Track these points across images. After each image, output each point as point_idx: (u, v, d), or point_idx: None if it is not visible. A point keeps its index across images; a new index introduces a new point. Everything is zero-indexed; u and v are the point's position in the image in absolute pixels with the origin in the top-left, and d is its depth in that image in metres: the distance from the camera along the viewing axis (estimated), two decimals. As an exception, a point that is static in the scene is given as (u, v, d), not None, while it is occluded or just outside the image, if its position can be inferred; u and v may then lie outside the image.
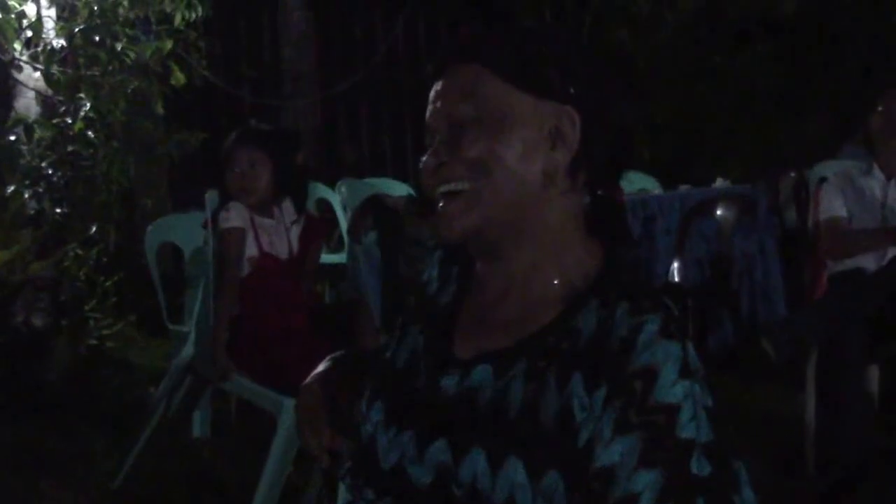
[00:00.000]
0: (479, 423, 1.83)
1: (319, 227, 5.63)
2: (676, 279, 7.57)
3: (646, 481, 1.69)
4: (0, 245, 6.16)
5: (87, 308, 7.06)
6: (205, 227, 5.17)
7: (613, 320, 1.78)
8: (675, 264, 7.58)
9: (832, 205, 5.67)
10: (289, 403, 4.69)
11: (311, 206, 6.99)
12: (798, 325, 5.41)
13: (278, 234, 5.22)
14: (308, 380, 2.26)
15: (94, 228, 6.68)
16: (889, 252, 5.50)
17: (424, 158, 1.93)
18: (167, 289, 5.67)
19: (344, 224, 7.45)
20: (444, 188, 1.90)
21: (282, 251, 5.20)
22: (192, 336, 5.32)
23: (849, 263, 5.56)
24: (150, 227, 5.77)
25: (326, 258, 7.33)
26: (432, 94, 1.94)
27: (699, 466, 1.70)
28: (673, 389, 1.72)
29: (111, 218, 6.81)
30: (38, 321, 6.94)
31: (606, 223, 1.95)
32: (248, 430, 5.51)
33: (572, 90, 1.88)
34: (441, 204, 1.91)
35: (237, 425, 5.93)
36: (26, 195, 6.45)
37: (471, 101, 1.87)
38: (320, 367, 2.27)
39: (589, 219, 1.94)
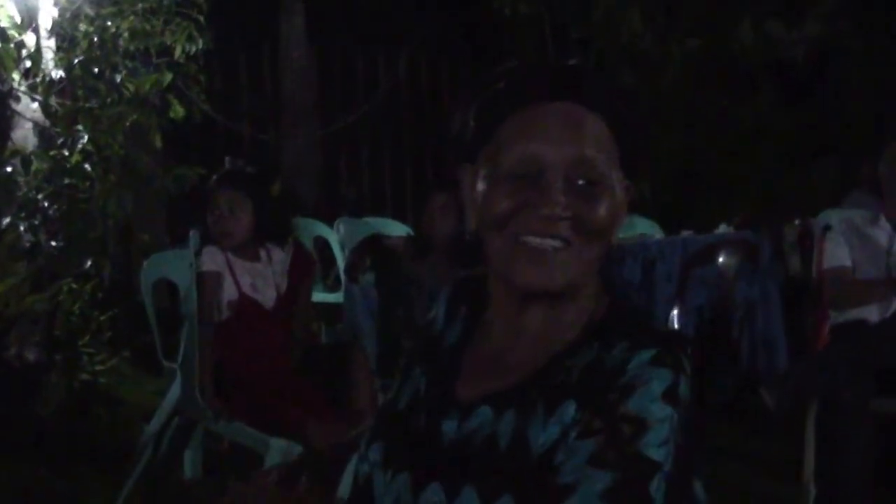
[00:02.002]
0: (472, 463, 1.84)
1: (308, 261, 5.66)
2: (676, 326, 7.59)
3: (590, 477, 1.72)
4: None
5: (80, 343, 7.06)
6: (191, 266, 5.22)
7: (610, 356, 1.81)
8: (675, 311, 7.60)
9: (836, 254, 5.64)
10: (275, 443, 4.77)
11: (308, 243, 7.06)
12: (799, 377, 5.43)
13: (263, 278, 5.26)
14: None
15: (89, 262, 6.68)
16: (894, 303, 5.49)
17: (548, 201, 1.85)
18: (162, 325, 5.68)
19: (341, 263, 7.47)
20: (555, 242, 1.86)
21: (267, 295, 5.24)
22: (178, 378, 5.35)
23: (852, 314, 5.54)
24: (145, 263, 5.80)
25: (323, 297, 7.35)
26: (545, 124, 1.88)
27: (657, 491, 1.73)
28: (650, 406, 1.74)
29: (107, 252, 6.82)
30: (31, 355, 6.97)
31: (608, 270, 1.97)
32: (240, 470, 5.54)
33: (639, 169, 1.95)
34: (548, 249, 1.86)
35: (229, 465, 5.94)
36: (21, 228, 6.46)
37: (603, 153, 1.87)
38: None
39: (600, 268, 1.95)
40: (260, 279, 5.25)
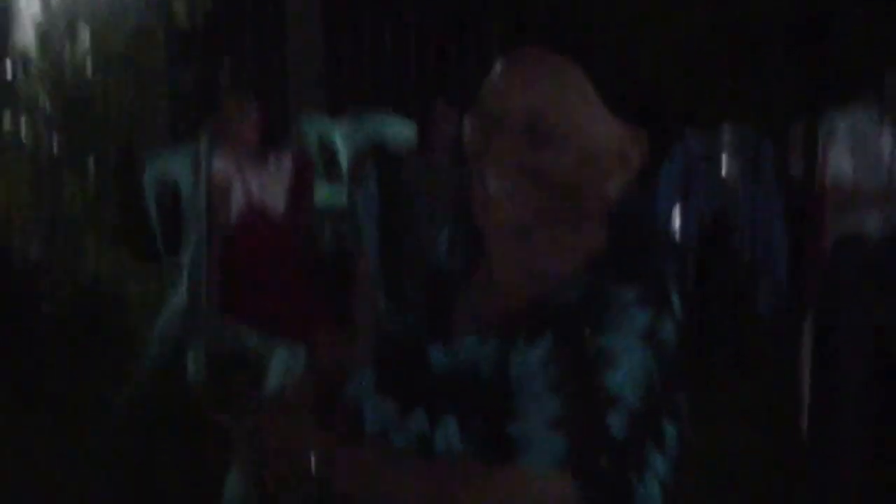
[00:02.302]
0: (456, 392, 1.83)
1: (308, 165, 5.68)
2: (677, 226, 7.63)
3: (544, 402, 1.71)
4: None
5: (83, 239, 7.14)
6: (195, 172, 5.23)
7: (596, 292, 1.78)
8: (677, 211, 7.63)
9: (839, 165, 5.57)
10: (279, 351, 4.80)
11: (312, 140, 7.06)
12: (798, 289, 5.45)
13: (272, 184, 5.28)
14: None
15: (91, 160, 6.71)
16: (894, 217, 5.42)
17: (496, 148, 1.82)
18: (164, 222, 5.73)
19: (345, 161, 7.47)
20: (501, 188, 1.82)
21: (276, 201, 5.27)
22: (185, 281, 5.38)
23: (852, 228, 5.49)
24: (147, 162, 5.82)
25: (327, 197, 7.34)
26: (510, 75, 1.84)
27: (617, 425, 1.71)
28: (619, 341, 1.72)
29: (108, 150, 6.85)
30: (35, 254, 7.05)
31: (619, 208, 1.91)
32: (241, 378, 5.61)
33: (646, 115, 1.88)
34: (493, 194, 1.83)
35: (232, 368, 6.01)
36: (23, 129, 6.48)
37: (556, 102, 1.80)
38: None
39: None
40: (269, 185, 5.27)
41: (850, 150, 5.57)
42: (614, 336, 1.71)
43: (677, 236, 7.80)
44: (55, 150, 6.70)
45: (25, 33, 6.73)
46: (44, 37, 6.67)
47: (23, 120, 6.50)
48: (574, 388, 1.70)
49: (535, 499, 1.72)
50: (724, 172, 7.45)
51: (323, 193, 6.80)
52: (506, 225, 1.85)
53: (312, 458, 1.88)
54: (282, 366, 4.85)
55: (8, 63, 6.65)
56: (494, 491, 1.73)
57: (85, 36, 6.57)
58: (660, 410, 1.78)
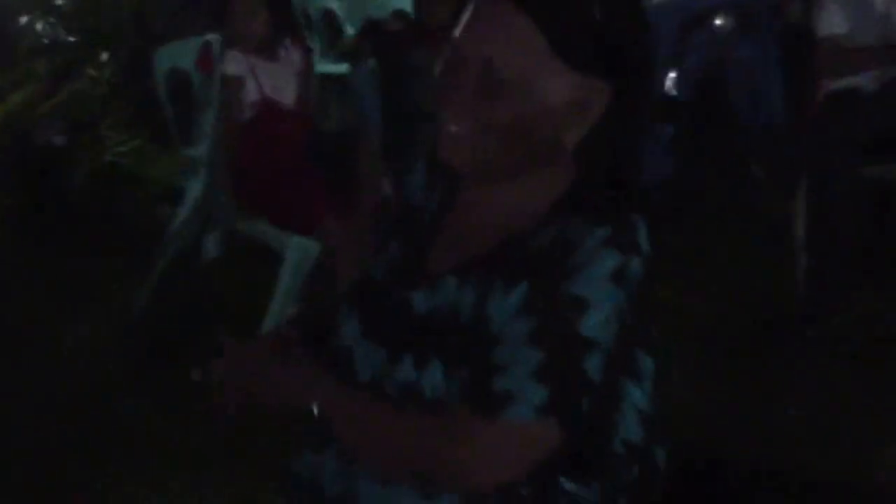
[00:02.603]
0: (438, 336, 1.90)
1: (304, 52, 5.76)
2: (674, 92, 7.61)
3: (524, 356, 1.78)
4: (15, 84, 6.33)
5: (102, 126, 7.27)
6: (203, 68, 5.34)
7: (568, 232, 1.84)
8: (672, 76, 7.62)
9: (832, 20, 5.54)
10: (294, 241, 4.98)
11: (316, 14, 7.11)
12: (789, 146, 5.43)
13: (285, 78, 5.39)
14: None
15: (105, 54, 6.78)
16: (888, 71, 5.41)
17: (449, 88, 1.88)
18: (176, 112, 5.82)
19: (349, 35, 7.51)
20: (455, 130, 1.88)
21: (288, 95, 5.39)
22: (202, 176, 5.53)
23: (845, 83, 5.49)
24: (158, 52, 5.89)
25: (331, 68, 7.37)
26: (468, 25, 1.88)
27: (594, 368, 1.79)
28: (592, 288, 1.78)
29: (122, 42, 6.92)
30: (57, 141, 7.17)
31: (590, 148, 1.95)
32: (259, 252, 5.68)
33: (605, 66, 1.87)
34: (448, 135, 1.89)
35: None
36: (39, 26, 6.54)
37: (510, 54, 1.82)
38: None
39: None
40: (281, 79, 5.38)
41: (842, 5, 5.53)
42: (585, 281, 1.78)
43: (673, 92, 7.80)
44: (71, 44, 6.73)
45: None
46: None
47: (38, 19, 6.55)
48: (552, 340, 1.78)
49: (523, 447, 1.83)
50: (718, 24, 7.39)
51: (327, 69, 6.88)
52: (469, 168, 1.92)
53: (313, 403, 2.00)
54: (297, 256, 4.98)
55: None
56: (483, 443, 1.83)
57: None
58: (634, 345, 1.91)
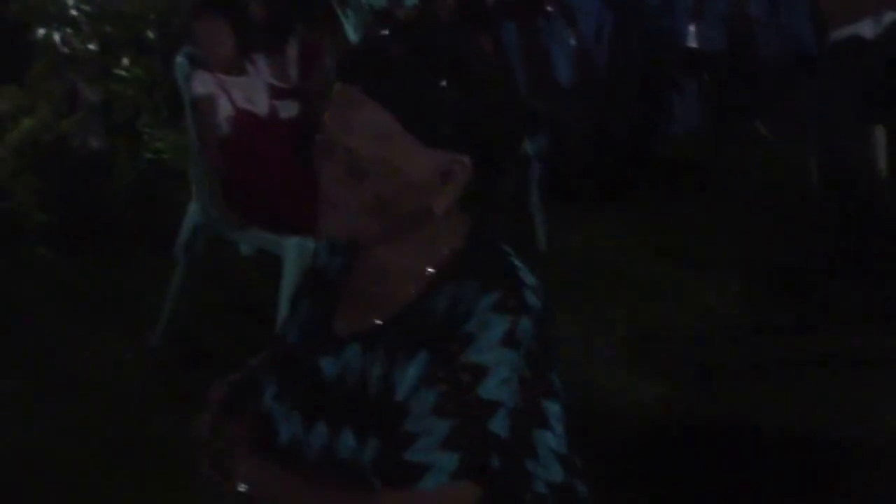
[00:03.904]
0: (348, 404, 1.97)
1: (317, 48, 5.78)
2: (695, 44, 7.57)
3: (431, 425, 1.86)
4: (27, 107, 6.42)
5: (138, 124, 7.36)
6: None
7: (461, 299, 1.92)
8: (692, 28, 7.58)
9: None
10: (289, 243, 5.02)
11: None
12: (792, 103, 5.43)
13: (254, 89, 5.44)
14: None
15: (126, 61, 6.84)
16: (885, 17, 5.38)
17: (322, 168, 1.97)
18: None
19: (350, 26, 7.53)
20: (329, 209, 1.99)
21: (260, 104, 5.42)
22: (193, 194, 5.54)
23: (846, 31, 5.45)
24: (178, 56, 5.93)
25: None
26: (331, 105, 1.96)
27: (500, 427, 1.87)
28: (487, 354, 1.86)
29: (147, 47, 6.98)
30: (94, 143, 7.24)
31: (477, 202, 2.03)
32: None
33: (464, 140, 1.93)
34: (326, 212, 2.00)
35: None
36: (57, 38, 6.62)
37: (373, 140, 1.90)
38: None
39: (462, 198, 2.00)
40: (252, 90, 5.42)
41: None
42: (480, 348, 1.87)
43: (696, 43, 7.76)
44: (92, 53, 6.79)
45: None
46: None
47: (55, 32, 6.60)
48: (456, 408, 1.86)
49: None
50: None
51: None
52: (346, 237, 2.05)
53: (238, 472, 2.05)
54: (296, 256, 5.00)
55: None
56: None
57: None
58: (537, 396, 1.96)
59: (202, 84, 5.32)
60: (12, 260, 6.56)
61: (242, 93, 5.37)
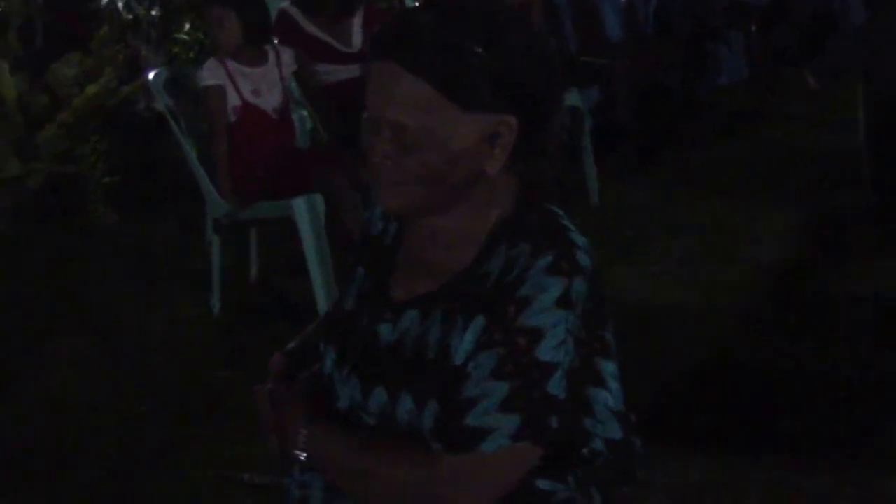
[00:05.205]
0: (406, 369, 1.95)
1: (381, 15, 5.76)
2: None
3: (490, 389, 1.84)
4: (92, 73, 6.43)
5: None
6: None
7: (515, 262, 1.89)
8: None
9: None
10: (298, 202, 5.04)
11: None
12: (839, 53, 5.37)
13: (267, 82, 5.42)
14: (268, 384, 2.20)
15: (188, 25, 6.85)
16: None
17: (371, 145, 1.94)
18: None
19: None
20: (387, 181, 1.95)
21: (270, 99, 5.41)
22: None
23: None
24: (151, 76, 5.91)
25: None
26: (374, 91, 1.93)
27: (557, 387, 1.85)
28: (542, 316, 1.84)
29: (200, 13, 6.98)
30: (159, 105, 7.24)
31: (526, 162, 1.99)
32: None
33: (507, 101, 1.90)
34: (376, 186, 1.98)
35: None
36: (119, 5, 6.63)
37: (417, 114, 1.88)
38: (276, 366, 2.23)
39: (510, 159, 1.97)
40: (263, 83, 5.41)
41: None
42: (535, 312, 1.85)
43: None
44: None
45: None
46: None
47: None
48: (514, 371, 1.84)
49: (501, 472, 1.88)
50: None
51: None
52: (400, 210, 2.01)
53: (297, 439, 2.02)
54: (307, 212, 5.03)
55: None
56: (464, 476, 1.88)
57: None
58: (592, 355, 1.93)
59: (211, 74, 5.34)
60: (78, 222, 6.60)
61: (252, 85, 5.37)
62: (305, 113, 5.84)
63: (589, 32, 7.44)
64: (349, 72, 5.74)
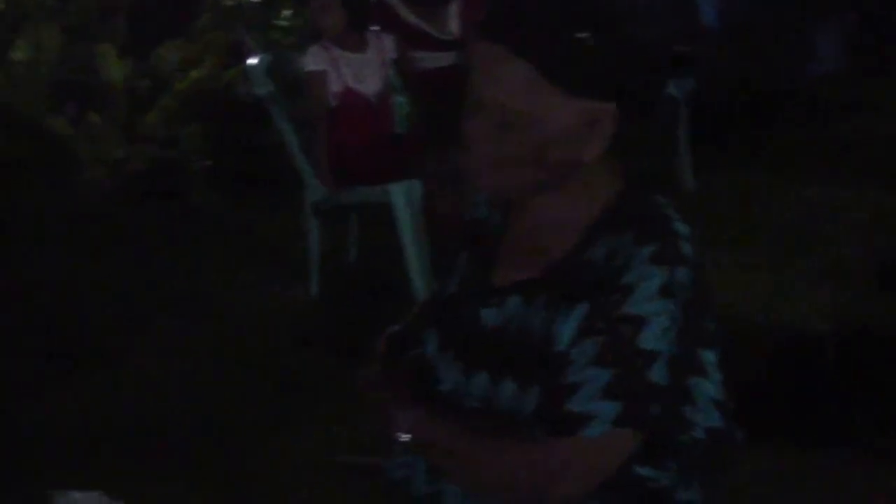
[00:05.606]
0: (510, 354, 1.96)
1: (477, 2, 5.76)
2: None
3: (593, 376, 1.84)
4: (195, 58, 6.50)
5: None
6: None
7: (619, 250, 1.90)
8: None
9: None
10: (396, 187, 5.11)
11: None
12: None
13: (369, 67, 5.47)
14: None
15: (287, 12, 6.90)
16: None
17: (472, 127, 1.95)
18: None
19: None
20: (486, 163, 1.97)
21: (372, 84, 5.47)
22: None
23: None
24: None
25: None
26: (477, 72, 1.94)
27: (659, 376, 1.85)
28: (646, 305, 1.85)
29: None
30: (260, 90, 7.30)
31: (627, 149, 2.01)
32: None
33: (609, 88, 1.91)
34: (476, 169, 1.98)
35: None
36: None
37: (514, 96, 1.88)
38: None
39: (612, 147, 1.98)
40: (365, 69, 5.47)
41: None
42: (638, 300, 1.85)
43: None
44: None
45: None
46: None
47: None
48: (616, 359, 1.85)
49: (602, 458, 1.89)
50: None
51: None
52: (496, 192, 2.05)
53: (400, 421, 2.03)
54: (404, 198, 5.09)
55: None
56: (564, 461, 1.88)
57: None
58: (694, 345, 1.93)
59: (314, 60, 5.42)
60: (179, 205, 6.67)
61: (354, 71, 5.42)
62: (403, 99, 5.85)
63: (684, 19, 7.40)
64: (446, 59, 5.78)
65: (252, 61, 5.76)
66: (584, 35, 1.88)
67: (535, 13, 1.91)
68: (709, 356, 1.96)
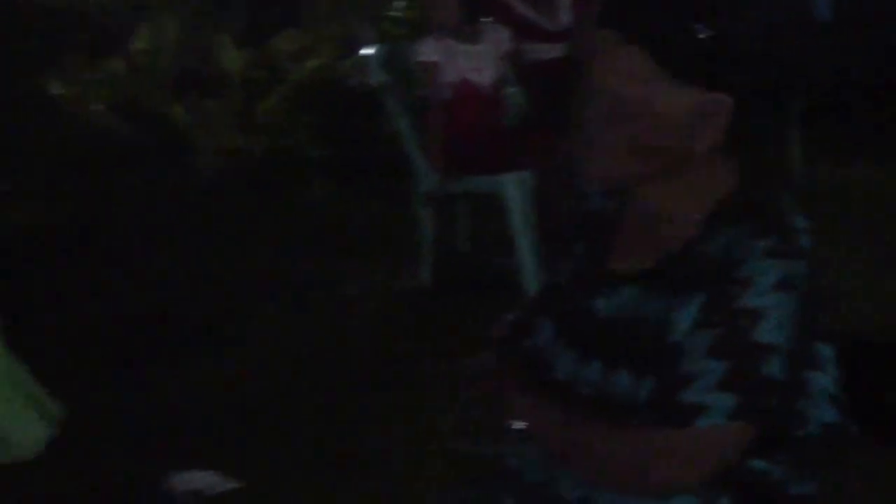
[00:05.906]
0: (624, 344, 1.95)
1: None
2: None
3: (708, 367, 1.83)
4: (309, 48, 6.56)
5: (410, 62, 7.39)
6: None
7: (736, 243, 1.89)
8: None
9: None
10: (507, 178, 5.14)
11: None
12: None
13: (483, 59, 5.48)
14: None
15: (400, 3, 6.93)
16: None
17: (586, 115, 1.97)
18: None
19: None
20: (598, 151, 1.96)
21: (485, 75, 5.47)
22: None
23: None
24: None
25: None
26: (596, 60, 1.94)
27: (774, 369, 1.83)
28: (763, 298, 1.83)
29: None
30: (373, 80, 7.34)
31: (744, 142, 1.99)
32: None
33: (725, 79, 1.90)
34: (589, 159, 1.98)
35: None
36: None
37: (630, 84, 1.88)
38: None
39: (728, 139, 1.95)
40: (479, 61, 5.48)
41: None
42: (755, 294, 1.84)
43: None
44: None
45: None
46: None
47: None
48: (732, 351, 1.84)
49: (716, 450, 1.88)
50: None
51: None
52: (608, 180, 2.04)
53: (514, 409, 2.05)
54: (515, 189, 5.11)
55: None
56: (678, 451, 1.88)
57: None
58: (810, 339, 1.92)
59: (428, 51, 5.45)
60: (292, 193, 6.73)
61: (470, 62, 5.44)
62: (515, 90, 5.87)
63: (796, 12, 7.30)
64: (557, 50, 5.77)
65: (367, 52, 5.79)
66: (700, 25, 1.86)
67: (652, 1, 1.91)
68: (825, 350, 1.95)
